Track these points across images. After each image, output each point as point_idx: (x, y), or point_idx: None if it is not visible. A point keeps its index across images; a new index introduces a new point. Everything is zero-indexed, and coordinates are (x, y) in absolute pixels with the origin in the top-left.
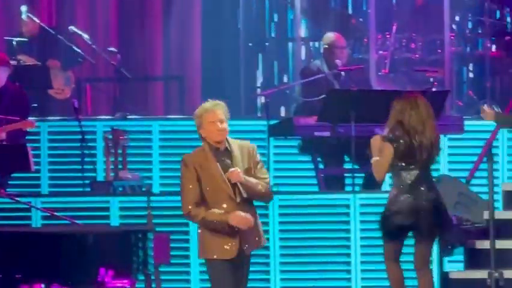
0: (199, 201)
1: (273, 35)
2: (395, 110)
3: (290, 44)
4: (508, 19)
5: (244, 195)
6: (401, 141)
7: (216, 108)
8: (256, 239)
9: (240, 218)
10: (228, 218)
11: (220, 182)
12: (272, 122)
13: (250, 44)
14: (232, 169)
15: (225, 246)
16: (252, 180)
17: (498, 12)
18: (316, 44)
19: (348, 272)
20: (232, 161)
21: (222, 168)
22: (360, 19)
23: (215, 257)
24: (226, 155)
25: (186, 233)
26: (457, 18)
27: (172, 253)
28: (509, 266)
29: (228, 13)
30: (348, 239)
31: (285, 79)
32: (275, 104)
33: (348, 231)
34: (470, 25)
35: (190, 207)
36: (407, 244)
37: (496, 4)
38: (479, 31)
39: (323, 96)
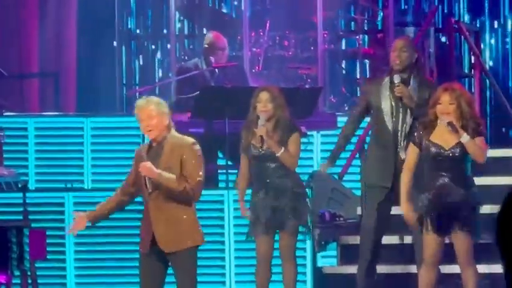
0: (127, 187)
1: (148, 31)
2: None
3: (165, 41)
4: (380, 16)
5: (150, 190)
6: None
7: (137, 111)
8: (177, 238)
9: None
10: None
11: (139, 175)
12: None
13: (125, 41)
14: (143, 163)
15: (142, 239)
16: (168, 176)
17: (370, 10)
18: (192, 41)
19: (223, 267)
20: (160, 156)
21: (150, 161)
22: (234, 16)
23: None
24: (159, 150)
25: (62, 229)
26: (330, 15)
27: (48, 249)
28: (382, 261)
29: (103, 10)
30: (222, 234)
31: (161, 76)
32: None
33: (222, 226)
34: (343, 22)
35: (117, 188)
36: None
37: (368, 2)
38: (352, 28)
39: (197, 93)
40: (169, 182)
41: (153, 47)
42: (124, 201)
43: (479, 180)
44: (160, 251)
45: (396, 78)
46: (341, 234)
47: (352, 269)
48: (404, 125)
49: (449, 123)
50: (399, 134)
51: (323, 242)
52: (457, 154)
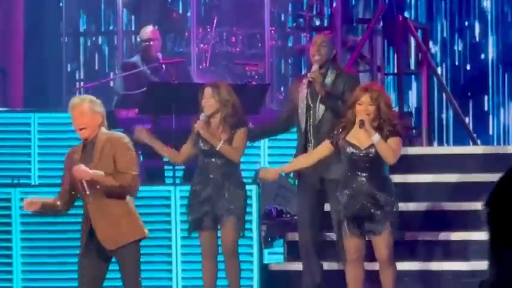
0: (64, 192)
1: (95, 27)
2: None
3: (112, 37)
4: (327, 13)
5: (87, 191)
6: None
7: (70, 109)
8: (118, 235)
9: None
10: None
11: (73, 178)
12: None
13: (72, 37)
14: (76, 167)
15: (81, 237)
16: (103, 174)
17: (318, 7)
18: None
19: (169, 263)
20: (93, 156)
21: (83, 162)
22: (181, 13)
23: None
24: (90, 150)
25: (9, 224)
26: (277, 12)
27: None
28: (328, 257)
29: (50, 5)
30: (169, 230)
31: (107, 72)
32: (97, 96)
33: (169, 222)
34: (290, 19)
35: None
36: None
37: None
38: (299, 25)
39: (144, 89)
40: (106, 180)
41: (100, 43)
42: (65, 205)
43: (399, 178)
44: (101, 247)
45: (314, 66)
46: (288, 230)
47: (298, 266)
48: (315, 124)
49: (361, 122)
50: (309, 134)
51: (269, 239)
52: (371, 155)
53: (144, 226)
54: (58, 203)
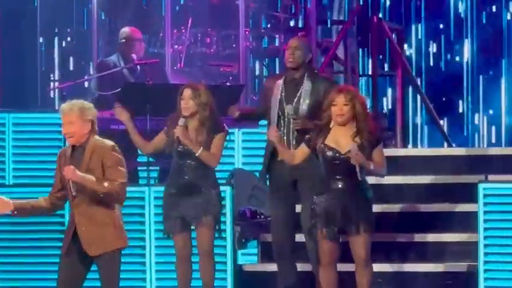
0: (55, 191)
1: (70, 28)
2: None
3: (88, 37)
4: (302, 14)
5: (74, 193)
6: None
7: (65, 112)
8: (102, 241)
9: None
10: None
11: (64, 178)
12: None
13: (47, 37)
14: (67, 166)
15: (64, 240)
16: (91, 178)
17: (293, 8)
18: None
19: (143, 264)
20: (81, 160)
21: (72, 165)
22: (156, 13)
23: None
24: (80, 154)
25: None
26: (252, 13)
27: None
28: (302, 259)
29: (26, 5)
30: (143, 231)
31: (82, 72)
32: (72, 97)
33: (143, 223)
34: (264, 20)
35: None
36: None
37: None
38: (274, 26)
39: (119, 89)
40: (93, 184)
41: (75, 43)
42: (54, 205)
43: (373, 180)
44: (82, 251)
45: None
46: (262, 232)
47: (272, 267)
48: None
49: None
50: (284, 138)
51: (243, 240)
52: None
53: (126, 235)
54: (43, 203)
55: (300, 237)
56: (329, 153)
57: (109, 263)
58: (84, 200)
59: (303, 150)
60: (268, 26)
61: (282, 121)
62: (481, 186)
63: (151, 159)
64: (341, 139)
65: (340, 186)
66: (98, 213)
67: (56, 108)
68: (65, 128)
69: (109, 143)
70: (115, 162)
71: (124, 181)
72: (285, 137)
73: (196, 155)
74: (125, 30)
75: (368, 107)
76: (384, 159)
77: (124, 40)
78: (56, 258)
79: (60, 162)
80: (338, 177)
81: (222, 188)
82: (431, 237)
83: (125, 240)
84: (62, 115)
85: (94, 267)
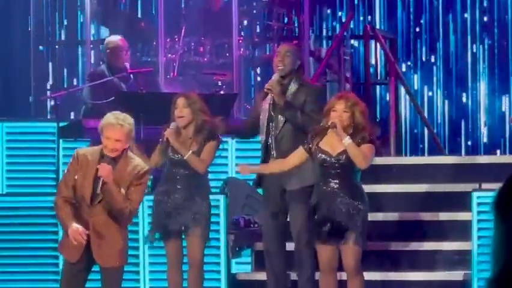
0: (70, 193)
1: (63, 37)
2: None
3: (80, 47)
4: (296, 23)
5: (98, 191)
6: None
7: (116, 128)
8: (114, 255)
9: (75, 229)
10: (69, 227)
11: (85, 182)
12: (62, 124)
13: (40, 47)
14: (104, 164)
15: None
16: (118, 189)
17: (286, 17)
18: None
19: (137, 273)
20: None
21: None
22: (149, 22)
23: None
24: (107, 162)
25: None
26: (246, 22)
27: None
28: (295, 267)
29: (18, 15)
30: (137, 240)
31: (75, 82)
32: (65, 106)
33: (137, 232)
34: (258, 29)
35: (59, 198)
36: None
37: (284, 8)
38: (267, 35)
39: (112, 98)
40: (118, 195)
41: (68, 52)
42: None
43: (367, 188)
44: (89, 261)
45: (275, 76)
46: (256, 240)
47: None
48: (276, 136)
49: (332, 124)
50: (270, 147)
51: (237, 248)
52: (342, 161)
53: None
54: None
55: (290, 247)
56: (320, 155)
57: (115, 277)
58: (102, 211)
59: (300, 153)
60: (262, 34)
61: (270, 129)
62: (475, 194)
63: None
64: (336, 143)
65: (333, 189)
66: (114, 228)
67: (49, 117)
68: (110, 143)
69: (145, 166)
70: (140, 187)
71: (138, 207)
72: (273, 144)
73: (185, 157)
74: (112, 39)
75: (368, 115)
76: (370, 153)
77: (109, 50)
78: (51, 259)
79: (84, 164)
80: (330, 180)
81: (215, 196)
82: (425, 245)
83: (127, 258)
84: (112, 131)
85: (94, 268)
